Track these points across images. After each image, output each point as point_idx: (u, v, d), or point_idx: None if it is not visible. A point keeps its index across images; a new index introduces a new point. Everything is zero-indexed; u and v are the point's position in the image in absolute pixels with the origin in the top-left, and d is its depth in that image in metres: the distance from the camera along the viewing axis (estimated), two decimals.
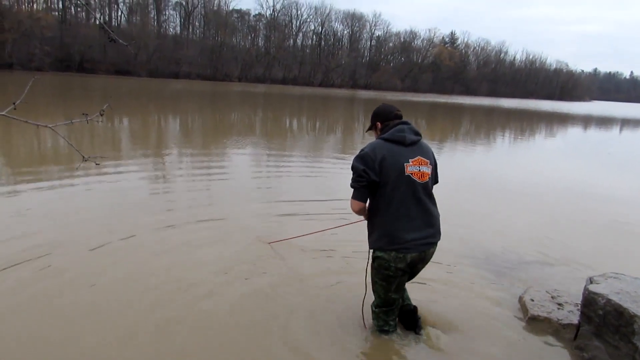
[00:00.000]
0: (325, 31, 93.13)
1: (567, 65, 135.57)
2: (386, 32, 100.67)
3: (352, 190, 2.96)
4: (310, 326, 3.36)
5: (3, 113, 2.13)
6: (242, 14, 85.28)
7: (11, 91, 25.35)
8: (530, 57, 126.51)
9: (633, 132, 31.36)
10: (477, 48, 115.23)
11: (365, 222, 3.14)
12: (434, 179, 3.10)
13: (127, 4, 72.17)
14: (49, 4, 64.40)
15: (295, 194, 7.14)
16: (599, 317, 3.10)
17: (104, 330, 3.15)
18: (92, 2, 61.14)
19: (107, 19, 68.21)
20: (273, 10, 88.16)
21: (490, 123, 30.14)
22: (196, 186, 7.41)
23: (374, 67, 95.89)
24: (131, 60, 61.77)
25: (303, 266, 4.41)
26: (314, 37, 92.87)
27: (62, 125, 2.46)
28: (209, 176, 8.25)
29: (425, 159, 2.97)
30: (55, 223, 5.15)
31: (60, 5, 65.79)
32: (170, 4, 76.63)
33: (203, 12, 78.11)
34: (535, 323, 3.53)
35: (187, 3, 76.56)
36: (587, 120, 40.01)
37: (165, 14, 76.91)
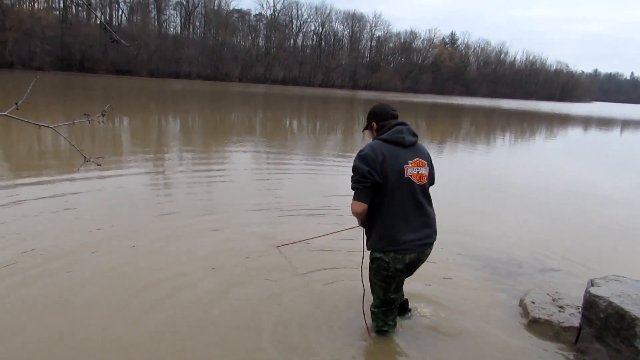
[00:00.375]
0: (325, 31, 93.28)
1: (568, 66, 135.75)
2: (386, 33, 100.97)
3: (354, 191, 2.92)
4: (310, 327, 3.35)
5: (5, 113, 2.12)
6: (242, 14, 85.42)
7: (12, 91, 25.36)
8: (531, 57, 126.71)
9: (634, 134, 31.34)
10: (478, 49, 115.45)
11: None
12: (431, 180, 3.12)
13: (128, 4, 72.40)
14: (50, 3, 64.54)
15: (296, 194, 7.13)
16: (601, 320, 3.09)
17: (100, 329, 3.15)
18: (93, 1, 61.22)
19: (107, 18, 68.31)
20: (273, 10, 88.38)
21: (490, 124, 30.15)
22: (196, 186, 7.41)
23: (374, 67, 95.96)
24: (132, 60, 61.83)
25: (305, 267, 4.40)
26: (315, 37, 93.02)
27: (62, 125, 2.46)
28: (209, 178, 8.25)
29: (424, 160, 3.00)
30: (53, 223, 5.14)
31: (61, 5, 65.96)
32: (170, 3, 76.84)
33: (204, 12, 78.18)
34: (536, 326, 3.53)
35: (187, 3, 76.68)
36: (587, 122, 40.02)
37: (166, 14, 77.16)
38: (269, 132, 17.38)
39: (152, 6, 73.65)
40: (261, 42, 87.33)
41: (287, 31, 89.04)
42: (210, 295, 3.74)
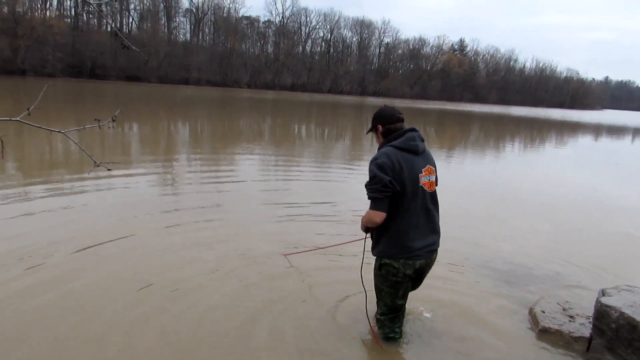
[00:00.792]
0: (334, 38, 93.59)
1: (578, 74, 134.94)
2: (395, 39, 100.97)
3: (371, 200, 2.86)
4: (315, 333, 3.34)
5: (17, 119, 2.15)
6: (251, 21, 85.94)
7: (24, 97, 25.69)
8: (541, 64, 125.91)
9: None
10: (487, 55, 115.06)
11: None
12: (436, 183, 3.12)
13: (138, 11, 73.11)
14: (62, 11, 65.41)
15: (304, 199, 7.13)
16: (612, 331, 3.05)
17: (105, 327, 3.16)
18: (104, 9, 61.92)
19: (118, 25, 69.06)
20: (282, 17, 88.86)
21: (499, 131, 30.01)
22: (204, 191, 7.44)
23: (382, 74, 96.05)
24: (142, 67, 62.40)
25: (311, 274, 4.39)
26: (323, 43, 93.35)
27: (73, 130, 2.48)
28: (217, 183, 8.27)
29: (433, 167, 3.01)
30: (62, 225, 5.18)
31: (73, 12, 66.82)
32: (180, 11, 77.54)
33: (213, 19, 78.84)
34: (546, 335, 3.48)
35: (197, 10, 77.41)
36: (598, 129, 39.68)
37: (176, 21, 77.82)
38: (278, 137, 17.42)
39: (162, 13, 74.43)
40: (270, 48, 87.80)
41: (295, 38, 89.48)
42: (209, 300, 3.75)
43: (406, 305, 3.23)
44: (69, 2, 66.37)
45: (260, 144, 14.61)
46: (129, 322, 3.34)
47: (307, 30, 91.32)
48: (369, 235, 3.17)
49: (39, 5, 61.43)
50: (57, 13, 63.49)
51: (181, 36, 78.92)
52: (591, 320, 3.38)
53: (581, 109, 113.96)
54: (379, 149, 3.03)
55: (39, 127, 2.29)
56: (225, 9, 79.68)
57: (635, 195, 10.19)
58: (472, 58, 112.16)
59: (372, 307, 3.36)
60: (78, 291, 3.74)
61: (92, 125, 2.48)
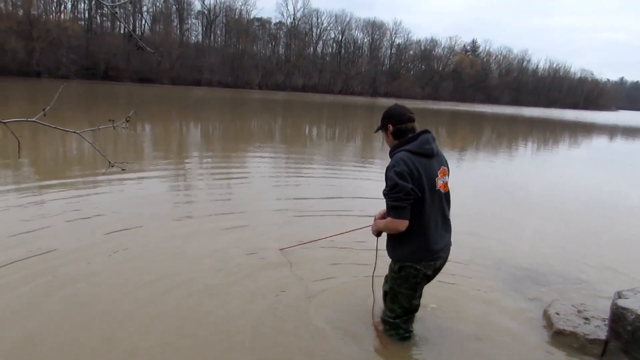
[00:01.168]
0: (345, 39, 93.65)
1: (592, 74, 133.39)
2: (407, 40, 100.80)
3: (393, 209, 2.79)
4: (315, 333, 3.34)
5: (34, 119, 2.18)
6: (263, 22, 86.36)
7: (39, 99, 26.05)
8: (554, 65, 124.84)
9: None
10: (499, 56, 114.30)
11: (368, 227, 3.15)
12: None
13: (151, 13, 73.83)
14: (76, 14, 66.27)
15: (314, 198, 7.13)
16: (628, 333, 3.00)
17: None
18: (118, 11, 62.52)
19: (131, 27, 69.72)
20: (294, 18, 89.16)
21: (512, 132, 29.73)
22: (215, 190, 7.48)
23: (394, 74, 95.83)
24: (154, 68, 63.01)
25: (310, 272, 4.40)
26: (334, 45, 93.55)
27: (88, 131, 2.51)
28: (228, 181, 8.31)
29: (446, 168, 3.00)
30: (75, 224, 5.24)
31: (87, 15, 67.65)
32: (192, 12, 78.15)
33: (225, 21, 79.35)
34: (561, 337, 3.44)
35: (209, 12, 77.94)
36: (613, 130, 39.14)
37: (188, 23, 78.38)
38: (289, 138, 17.45)
39: (175, 15, 75.08)
40: (281, 50, 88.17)
41: (307, 39, 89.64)
42: (203, 294, 3.80)
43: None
44: (83, 5, 67.34)
45: (271, 143, 14.63)
46: (140, 321, 3.37)
47: (319, 31, 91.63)
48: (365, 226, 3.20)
49: (53, 8, 62.45)
50: (71, 16, 64.40)
51: (193, 38, 79.69)
52: (607, 322, 3.33)
53: (596, 110, 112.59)
54: (391, 151, 2.99)
55: (55, 128, 2.32)
56: (237, 10, 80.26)
57: None
58: (485, 59, 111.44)
59: (377, 306, 3.37)
60: (84, 292, 3.78)
61: (106, 125, 2.51)
